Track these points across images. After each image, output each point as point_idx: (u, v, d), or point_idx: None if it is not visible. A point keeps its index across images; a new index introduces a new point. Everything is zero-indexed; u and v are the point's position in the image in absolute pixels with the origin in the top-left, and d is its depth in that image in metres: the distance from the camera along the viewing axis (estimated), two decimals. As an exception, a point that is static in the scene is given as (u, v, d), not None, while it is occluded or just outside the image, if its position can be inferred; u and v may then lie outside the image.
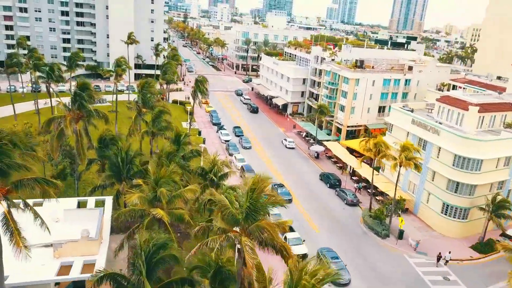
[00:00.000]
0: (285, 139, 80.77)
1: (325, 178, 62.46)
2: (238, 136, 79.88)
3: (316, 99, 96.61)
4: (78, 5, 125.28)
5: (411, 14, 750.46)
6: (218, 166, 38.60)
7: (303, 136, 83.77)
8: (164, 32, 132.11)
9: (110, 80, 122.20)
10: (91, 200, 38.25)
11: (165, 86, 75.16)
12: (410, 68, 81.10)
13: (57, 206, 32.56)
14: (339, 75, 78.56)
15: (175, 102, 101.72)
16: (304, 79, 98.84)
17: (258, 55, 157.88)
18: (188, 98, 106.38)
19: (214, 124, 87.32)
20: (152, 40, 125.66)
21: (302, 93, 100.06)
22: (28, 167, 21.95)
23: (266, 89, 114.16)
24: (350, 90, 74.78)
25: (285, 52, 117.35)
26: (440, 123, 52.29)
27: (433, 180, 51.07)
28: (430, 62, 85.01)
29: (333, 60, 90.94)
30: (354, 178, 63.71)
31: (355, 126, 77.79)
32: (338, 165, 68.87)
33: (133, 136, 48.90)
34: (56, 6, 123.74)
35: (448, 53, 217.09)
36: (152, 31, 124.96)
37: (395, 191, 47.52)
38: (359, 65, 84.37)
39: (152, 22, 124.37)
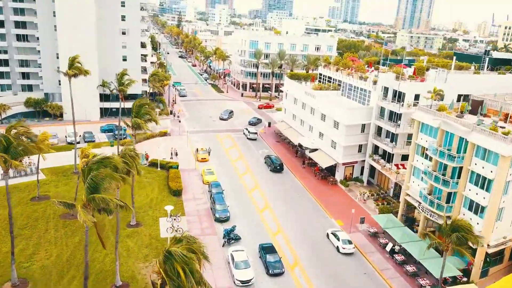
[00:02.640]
0: (335, 236, 45.81)
1: None
2: (272, 275, 39.56)
3: (386, 158, 58.34)
4: (17, 11, 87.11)
5: (418, 12, 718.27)
6: None
7: (385, 247, 45.16)
8: (143, 46, 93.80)
9: (63, 120, 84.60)
10: None
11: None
12: None
13: None
14: (462, 140, 40.18)
15: (153, 163, 63.39)
16: (363, 125, 60.50)
17: (272, 72, 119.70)
18: (176, 154, 68.18)
19: (218, 221, 48.60)
20: (124, 60, 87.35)
21: (360, 148, 61.70)
22: None
23: (294, 131, 75.80)
24: (499, 178, 36.35)
25: (320, 75, 79.11)
26: None
27: None
28: None
29: (414, 104, 52.68)
30: None
31: (501, 243, 39.30)
32: None
33: None
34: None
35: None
36: (124, 46, 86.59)
37: None
38: (474, 109, 46.58)
39: (124, 34, 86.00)
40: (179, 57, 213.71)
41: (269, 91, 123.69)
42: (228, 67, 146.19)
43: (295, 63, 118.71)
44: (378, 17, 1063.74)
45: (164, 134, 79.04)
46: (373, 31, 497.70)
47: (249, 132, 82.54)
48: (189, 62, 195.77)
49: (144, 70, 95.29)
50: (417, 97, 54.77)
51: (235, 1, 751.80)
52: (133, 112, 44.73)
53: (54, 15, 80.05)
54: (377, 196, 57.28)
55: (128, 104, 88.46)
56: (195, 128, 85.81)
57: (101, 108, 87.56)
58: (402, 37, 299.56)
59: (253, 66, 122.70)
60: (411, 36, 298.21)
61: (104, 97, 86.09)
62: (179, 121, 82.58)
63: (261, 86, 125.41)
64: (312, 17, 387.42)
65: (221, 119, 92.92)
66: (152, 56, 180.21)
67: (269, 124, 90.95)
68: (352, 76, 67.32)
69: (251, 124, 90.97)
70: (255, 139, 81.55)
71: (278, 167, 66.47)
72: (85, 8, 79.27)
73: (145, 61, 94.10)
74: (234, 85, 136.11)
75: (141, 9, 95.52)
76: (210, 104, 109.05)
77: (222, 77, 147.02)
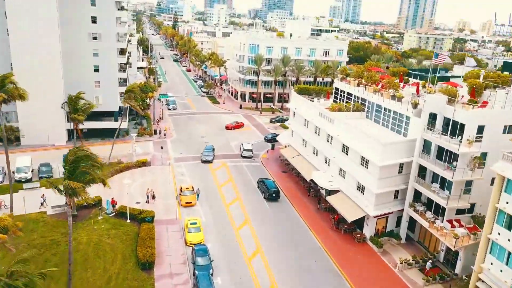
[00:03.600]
0: None
1: None
2: None
3: (433, 208, 42.93)
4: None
5: (421, 11, 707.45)
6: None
7: None
8: (122, 53, 78.44)
9: (20, 145, 69.48)
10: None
11: None
12: None
13: None
14: None
15: (121, 213, 47.80)
16: (401, 165, 45.00)
17: (275, 80, 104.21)
18: (154, 197, 52.74)
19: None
20: (96, 71, 71.88)
21: (396, 194, 46.23)
22: None
23: (305, 161, 60.41)
24: None
25: (336, 90, 63.59)
26: None
27: None
28: None
29: (476, 139, 37.58)
30: None
31: None
32: None
33: None
34: None
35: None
36: (95, 54, 71.02)
37: None
38: None
39: (95, 39, 70.43)
40: (174, 60, 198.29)
41: (272, 105, 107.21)
42: (225, 73, 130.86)
43: (301, 70, 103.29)
44: (379, 17, 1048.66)
45: (143, 163, 63.57)
46: (376, 31, 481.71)
47: (243, 149, 70.46)
48: (183, 66, 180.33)
49: (123, 81, 79.94)
50: (481, 129, 39.46)
51: (234, 1, 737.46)
52: (65, 169, 29.43)
53: (6, 17, 64.56)
54: (423, 264, 41.84)
55: (102, 124, 73.91)
56: (182, 153, 70.44)
57: (68, 130, 72.06)
58: (410, 37, 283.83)
59: (253, 73, 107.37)
60: (420, 37, 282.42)
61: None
62: (161, 147, 66.98)
63: (262, 96, 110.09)
64: (315, 17, 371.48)
65: (205, 161, 66.96)
66: (142, 60, 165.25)
67: (273, 147, 75.53)
68: (381, 94, 51.92)
69: (267, 140, 77.97)
70: (250, 157, 69.60)
71: (274, 195, 55.46)
72: (44, 7, 63.81)
73: (124, 71, 78.59)
74: (231, 94, 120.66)
75: (119, 9, 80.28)
76: (203, 119, 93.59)
77: (218, 84, 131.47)
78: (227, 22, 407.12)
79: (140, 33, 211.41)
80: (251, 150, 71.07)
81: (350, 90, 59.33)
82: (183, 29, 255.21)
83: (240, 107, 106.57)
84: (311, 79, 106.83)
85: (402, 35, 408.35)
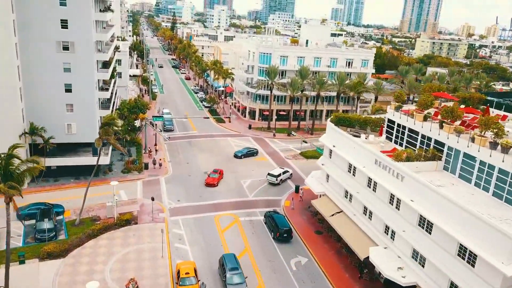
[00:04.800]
0: None
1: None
2: None
3: None
4: None
5: (424, 14, 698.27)
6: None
7: None
8: (107, 66, 61.65)
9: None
10: None
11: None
12: None
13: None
14: None
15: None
16: (531, 264, 28.20)
17: (292, 96, 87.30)
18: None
19: None
20: (68, 91, 54.68)
21: (519, 306, 29.47)
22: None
23: (350, 222, 43.57)
24: None
25: (391, 123, 46.60)
26: None
27: None
28: None
29: None
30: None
31: None
32: None
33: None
34: None
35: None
36: (66, 69, 53.77)
37: None
38: None
39: (66, 49, 53.21)
40: (173, 67, 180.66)
41: (292, 133, 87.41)
42: (230, 84, 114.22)
43: (324, 85, 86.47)
44: (380, 19, 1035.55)
45: (126, 222, 46.53)
46: (382, 35, 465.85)
47: (268, 173, 61.38)
48: (182, 73, 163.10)
49: (106, 101, 63.10)
50: None
51: (234, 2, 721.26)
52: None
53: None
54: None
55: (76, 160, 57.14)
56: (180, 201, 53.56)
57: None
58: (422, 43, 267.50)
59: (265, 87, 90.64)
60: (433, 43, 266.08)
61: (34, 150, 53.60)
62: (152, 199, 49.82)
63: (275, 112, 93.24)
64: (321, 19, 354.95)
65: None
66: (137, 67, 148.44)
67: (297, 189, 58.65)
68: (473, 138, 35.11)
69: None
70: (278, 184, 60.11)
71: (285, 235, 45.73)
72: (-6, 7, 47.00)
73: (107, 89, 61.52)
74: (238, 110, 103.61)
75: (102, 10, 63.54)
76: (206, 145, 76.71)
77: (223, 98, 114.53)
78: (228, 24, 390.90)
79: (135, 36, 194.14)
80: (276, 177, 59.74)
81: (415, 127, 42.47)
82: (182, 32, 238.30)
83: (250, 128, 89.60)
84: (334, 93, 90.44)
85: (410, 39, 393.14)
